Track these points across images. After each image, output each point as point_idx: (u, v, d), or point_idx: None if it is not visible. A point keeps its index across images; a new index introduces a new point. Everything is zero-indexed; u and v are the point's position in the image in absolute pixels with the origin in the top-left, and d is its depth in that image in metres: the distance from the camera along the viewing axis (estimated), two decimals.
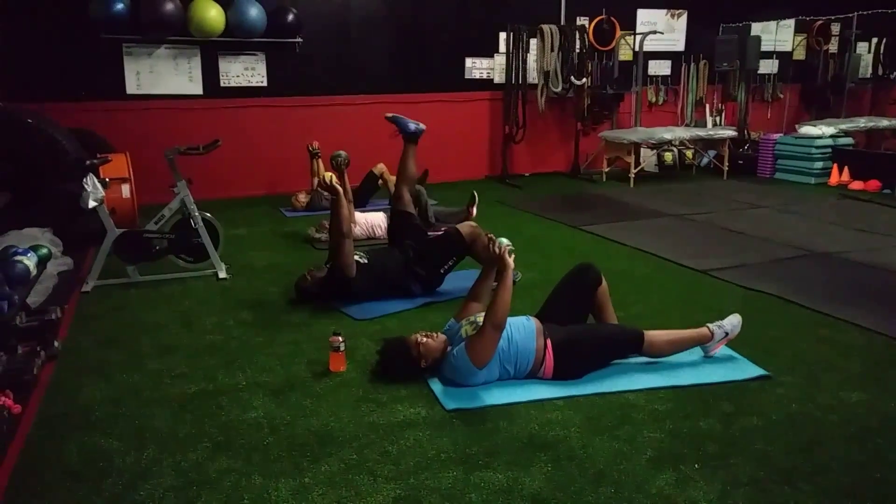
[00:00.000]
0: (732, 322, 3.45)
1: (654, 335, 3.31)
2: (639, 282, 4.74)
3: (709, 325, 3.41)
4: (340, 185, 4.35)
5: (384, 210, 6.22)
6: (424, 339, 3.20)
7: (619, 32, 9.52)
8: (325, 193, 6.80)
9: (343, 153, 6.46)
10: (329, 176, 4.34)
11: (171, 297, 4.52)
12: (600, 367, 3.30)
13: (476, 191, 6.17)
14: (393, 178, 7.23)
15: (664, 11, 9.87)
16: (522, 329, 3.21)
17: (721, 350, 3.45)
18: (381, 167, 7.17)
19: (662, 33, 9.73)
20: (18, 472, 2.56)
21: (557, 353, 3.17)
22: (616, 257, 5.31)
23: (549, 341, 3.19)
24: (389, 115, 4.87)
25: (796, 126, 9.08)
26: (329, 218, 5.09)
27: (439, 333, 3.29)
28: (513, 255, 3.20)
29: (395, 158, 7.37)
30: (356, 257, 4.29)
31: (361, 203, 6.74)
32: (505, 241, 3.23)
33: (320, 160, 7.15)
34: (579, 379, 3.22)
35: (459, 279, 4.54)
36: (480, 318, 3.15)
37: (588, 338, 3.30)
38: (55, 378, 3.33)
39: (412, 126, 4.81)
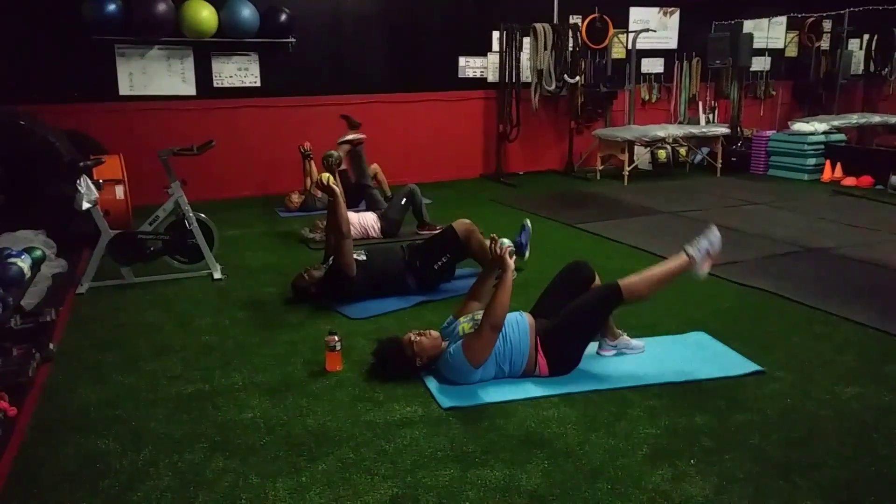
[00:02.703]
0: (709, 237, 3.24)
1: (631, 280, 3.18)
2: None
3: (685, 246, 3.24)
4: (338, 187, 4.35)
5: (376, 210, 6.22)
6: (418, 338, 3.21)
7: (611, 31, 9.54)
8: (320, 194, 6.84)
9: (335, 153, 6.45)
10: (326, 177, 4.34)
11: (167, 298, 4.51)
12: (592, 337, 3.26)
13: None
14: (385, 179, 7.25)
15: (657, 9, 9.89)
16: (516, 326, 3.21)
17: (720, 347, 3.46)
18: (374, 167, 7.16)
19: (655, 31, 9.76)
20: (14, 475, 2.56)
21: (545, 344, 3.18)
22: (610, 255, 5.32)
23: (538, 339, 3.20)
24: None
25: (789, 123, 9.12)
26: (322, 218, 5.10)
27: (432, 331, 3.30)
28: (513, 257, 3.21)
29: (392, 158, 7.39)
30: (355, 255, 4.29)
31: (354, 204, 6.73)
32: (506, 241, 3.23)
33: (312, 161, 7.14)
34: (576, 363, 3.22)
35: (455, 278, 4.55)
36: (479, 315, 3.16)
37: (568, 314, 3.24)
38: (50, 380, 3.32)
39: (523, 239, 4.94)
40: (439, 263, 4.43)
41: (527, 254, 4.86)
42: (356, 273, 4.23)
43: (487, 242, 3.35)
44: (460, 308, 3.44)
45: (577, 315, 3.23)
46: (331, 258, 4.36)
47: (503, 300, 3.04)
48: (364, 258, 4.36)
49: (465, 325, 3.25)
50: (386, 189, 7.25)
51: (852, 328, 3.82)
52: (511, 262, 3.15)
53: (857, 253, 5.26)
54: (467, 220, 4.54)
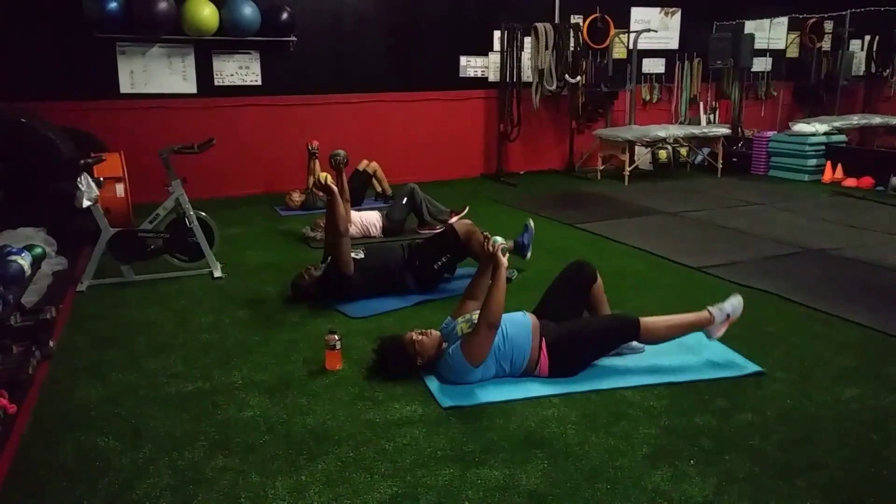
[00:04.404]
0: (733, 303, 3.36)
1: (651, 321, 3.25)
2: (634, 279, 4.75)
3: (709, 307, 3.33)
4: (337, 185, 4.35)
5: (379, 209, 6.22)
6: (420, 337, 3.21)
7: (613, 30, 9.54)
8: (321, 194, 6.84)
9: (342, 152, 6.46)
10: (324, 176, 4.35)
11: (167, 296, 4.51)
12: (598, 358, 3.29)
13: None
14: (384, 177, 7.27)
15: (658, 9, 9.89)
16: (518, 325, 3.22)
17: (719, 348, 3.46)
18: (373, 165, 7.17)
19: (656, 31, 9.76)
20: (14, 472, 2.56)
21: (552, 351, 3.18)
22: (611, 255, 5.32)
23: (543, 340, 3.20)
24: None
25: (790, 123, 9.11)
26: (323, 216, 5.10)
27: (433, 330, 3.30)
28: (507, 254, 3.20)
29: (392, 157, 7.39)
30: (353, 254, 4.30)
31: (356, 202, 6.74)
32: (499, 239, 3.22)
33: (318, 160, 7.14)
34: (577, 374, 3.23)
35: (455, 278, 4.55)
36: (476, 315, 3.16)
37: (583, 332, 3.29)
38: (50, 378, 3.33)
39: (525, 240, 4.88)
40: (439, 263, 4.43)
41: (528, 254, 4.86)
42: (354, 272, 4.23)
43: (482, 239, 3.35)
44: (457, 308, 3.44)
45: (590, 336, 3.27)
46: (329, 257, 4.36)
47: (498, 298, 3.04)
48: (362, 257, 4.37)
49: (462, 325, 3.25)
50: (386, 188, 7.26)
51: (852, 329, 3.82)
52: (504, 259, 3.14)
53: (858, 254, 5.26)
54: (468, 221, 4.54)
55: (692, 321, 3.31)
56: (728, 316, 3.33)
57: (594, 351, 3.29)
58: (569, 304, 3.45)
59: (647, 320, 3.25)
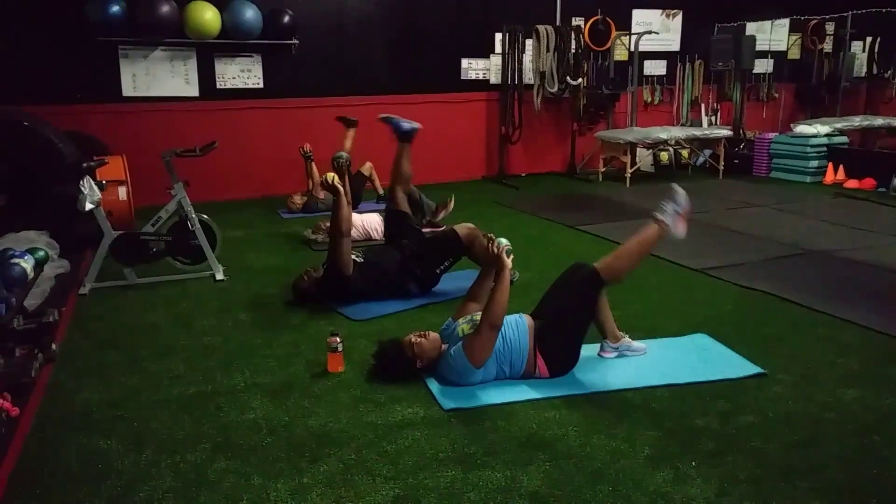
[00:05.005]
0: (673, 197, 3.27)
1: (607, 261, 3.22)
2: (635, 281, 4.73)
3: (654, 214, 3.25)
4: (342, 186, 4.37)
5: (379, 212, 6.22)
6: (418, 339, 3.22)
7: (614, 32, 9.54)
8: (322, 196, 6.85)
9: (345, 154, 6.47)
10: (331, 176, 4.37)
11: (169, 298, 4.52)
12: (584, 329, 3.24)
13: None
14: (377, 177, 7.27)
15: (659, 11, 9.89)
16: (516, 328, 3.22)
17: (721, 349, 3.46)
18: (368, 166, 7.19)
19: (658, 33, 9.76)
20: (17, 475, 2.56)
21: (541, 346, 3.18)
22: None
23: (535, 341, 3.20)
24: (382, 115, 4.88)
25: (791, 125, 9.11)
26: (325, 219, 5.11)
27: (432, 332, 3.30)
28: (511, 256, 3.20)
29: (392, 159, 7.39)
30: (352, 256, 4.30)
31: (355, 204, 6.74)
32: (504, 241, 3.23)
33: (313, 162, 7.14)
34: (575, 360, 3.22)
35: (457, 279, 4.55)
36: (478, 317, 3.16)
37: (555, 311, 3.25)
38: (53, 380, 3.33)
39: (405, 125, 4.80)
40: (441, 268, 4.44)
41: (406, 126, 4.78)
42: (354, 274, 4.24)
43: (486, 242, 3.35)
44: (459, 310, 3.45)
45: (564, 311, 3.24)
46: (330, 258, 4.36)
47: (501, 299, 3.04)
48: (361, 260, 4.38)
49: (463, 326, 3.26)
50: (378, 188, 7.28)
51: (854, 331, 3.82)
52: (508, 261, 3.15)
53: (860, 255, 5.26)
54: (470, 224, 4.53)
55: (647, 237, 3.25)
56: (677, 212, 3.25)
57: (574, 324, 3.22)
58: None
59: (603, 262, 3.21)
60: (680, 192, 3.30)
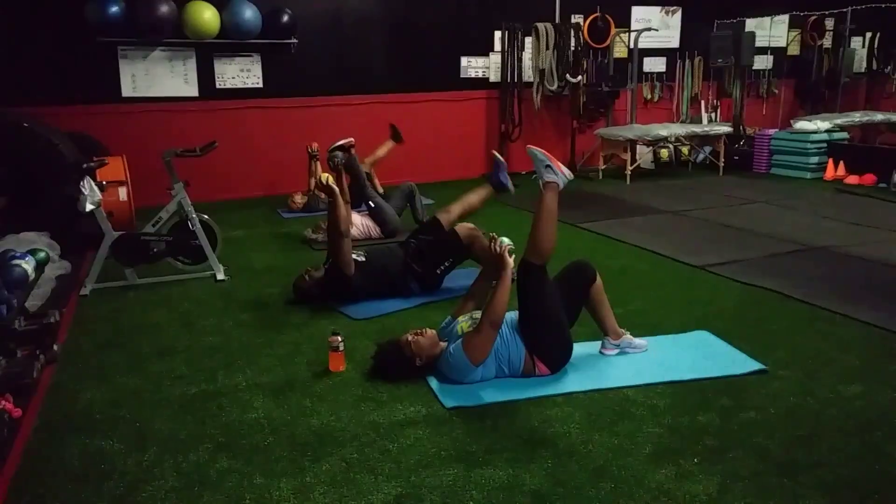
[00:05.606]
0: (536, 162, 3.41)
1: (526, 248, 3.19)
2: (636, 278, 4.76)
3: (540, 181, 3.38)
4: (338, 186, 4.36)
5: (362, 213, 6.19)
6: (415, 338, 3.22)
7: (613, 30, 9.54)
8: (322, 195, 6.84)
9: (340, 154, 6.46)
10: (326, 177, 4.36)
11: (170, 299, 4.52)
12: (549, 313, 3.19)
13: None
14: (375, 175, 7.23)
15: (659, 8, 9.88)
16: (513, 327, 3.22)
17: (723, 346, 3.45)
18: (369, 162, 7.16)
19: (657, 30, 9.75)
20: (19, 476, 2.56)
21: (529, 345, 3.17)
22: (613, 254, 5.33)
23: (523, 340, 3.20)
24: (498, 155, 4.96)
25: (791, 121, 9.10)
26: (325, 219, 5.09)
27: (429, 330, 3.30)
28: (513, 255, 3.21)
29: (393, 158, 7.38)
30: (354, 255, 4.30)
31: (356, 204, 6.73)
32: (506, 240, 3.23)
33: (319, 162, 7.15)
34: (567, 348, 3.22)
35: (458, 278, 4.55)
36: (478, 315, 3.16)
37: (520, 312, 3.23)
38: (55, 381, 3.33)
39: (504, 178, 4.88)
40: (442, 268, 4.44)
41: (511, 186, 4.95)
42: (355, 273, 4.24)
43: (487, 242, 3.34)
44: (458, 308, 3.44)
45: (523, 309, 3.21)
46: (331, 258, 4.37)
47: (503, 298, 3.04)
48: (363, 259, 4.37)
49: (463, 324, 3.26)
50: (377, 186, 7.25)
51: (856, 327, 3.82)
52: (510, 260, 3.15)
53: (861, 251, 5.25)
54: (471, 224, 4.54)
55: (548, 205, 3.29)
56: (547, 166, 3.36)
57: (536, 312, 3.17)
58: (567, 304, 3.43)
59: (527, 249, 3.19)
60: (533, 152, 3.42)
